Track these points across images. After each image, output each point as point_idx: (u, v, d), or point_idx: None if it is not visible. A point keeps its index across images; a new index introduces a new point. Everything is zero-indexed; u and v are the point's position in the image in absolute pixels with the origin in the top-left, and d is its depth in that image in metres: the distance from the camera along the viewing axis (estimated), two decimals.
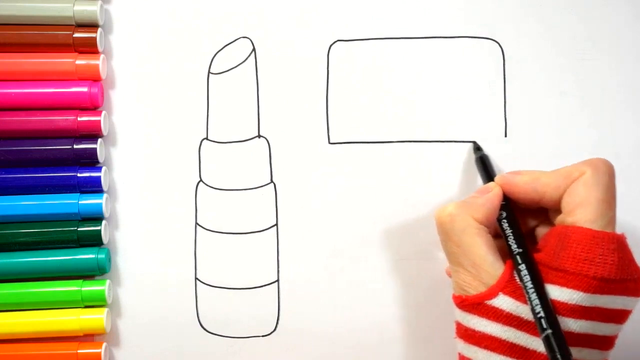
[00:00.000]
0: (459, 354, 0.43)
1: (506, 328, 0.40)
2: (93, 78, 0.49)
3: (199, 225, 0.50)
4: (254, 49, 0.50)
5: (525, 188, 0.43)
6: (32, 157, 0.49)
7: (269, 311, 0.50)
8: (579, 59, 0.50)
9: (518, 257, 0.41)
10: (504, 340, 0.40)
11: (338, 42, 0.50)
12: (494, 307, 0.40)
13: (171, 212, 0.50)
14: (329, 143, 0.50)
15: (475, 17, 0.50)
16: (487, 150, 0.49)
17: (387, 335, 0.50)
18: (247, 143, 0.50)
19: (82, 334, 0.49)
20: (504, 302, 0.40)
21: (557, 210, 0.42)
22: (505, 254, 0.42)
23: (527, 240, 0.43)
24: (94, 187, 0.49)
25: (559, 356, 0.37)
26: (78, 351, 0.49)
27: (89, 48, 0.49)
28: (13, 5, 0.49)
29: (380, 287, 0.50)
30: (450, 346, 0.50)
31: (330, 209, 0.50)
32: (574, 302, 0.39)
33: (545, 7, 0.50)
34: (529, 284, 0.40)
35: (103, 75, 0.49)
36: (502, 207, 0.44)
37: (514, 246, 0.42)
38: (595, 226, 0.40)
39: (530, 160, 0.50)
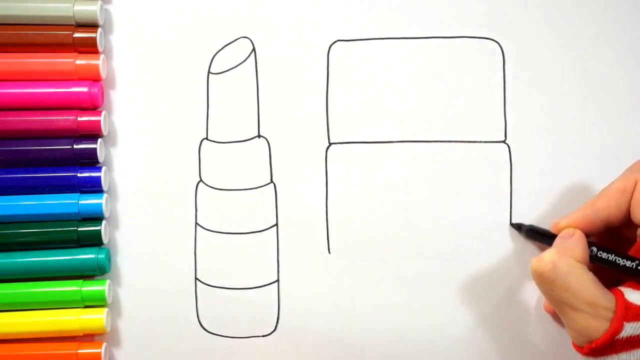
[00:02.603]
0: None
1: None
2: (93, 78, 0.49)
3: (199, 225, 0.50)
4: (254, 49, 0.50)
5: (590, 221, 0.44)
6: (32, 157, 0.49)
7: (269, 311, 0.50)
8: (579, 59, 0.50)
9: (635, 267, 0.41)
10: None
11: (338, 42, 0.50)
12: (626, 338, 0.39)
13: (171, 212, 0.50)
14: (329, 143, 0.50)
15: (475, 17, 0.50)
16: (486, 150, 0.50)
17: (387, 335, 0.50)
18: (247, 143, 0.50)
19: (82, 334, 0.49)
20: (633, 329, 0.39)
21: (627, 226, 0.43)
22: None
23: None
24: (94, 187, 0.49)
25: None
26: (78, 351, 0.49)
27: (89, 48, 0.49)
28: (13, 5, 0.49)
29: (380, 287, 0.50)
30: (450, 346, 0.50)
31: (330, 209, 0.50)
32: None
33: (545, 7, 0.50)
34: None
35: (103, 75, 0.49)
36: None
37: (627, 263, 0.42)
38: None
39: (531, 160, 0.50)
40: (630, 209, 0.42)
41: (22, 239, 0.49)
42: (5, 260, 0.49)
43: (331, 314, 0.50)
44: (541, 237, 0.48)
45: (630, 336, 0.39)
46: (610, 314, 0.39)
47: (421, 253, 0.50)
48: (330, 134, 0.50)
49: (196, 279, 0.50)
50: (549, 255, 0.42)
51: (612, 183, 0.44)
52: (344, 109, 0.50)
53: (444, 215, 0.50)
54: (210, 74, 0.50)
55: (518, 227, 0.49)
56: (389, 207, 0.50)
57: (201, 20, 0.50)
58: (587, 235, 0.44)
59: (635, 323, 0.39)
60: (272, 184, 0.50)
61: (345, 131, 0.50)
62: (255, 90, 0.50)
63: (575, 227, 0.44)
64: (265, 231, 0.50)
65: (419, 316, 0.50)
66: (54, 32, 0.49)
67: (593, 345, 0.40)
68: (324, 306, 0.50)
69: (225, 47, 0.50)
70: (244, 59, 0.50)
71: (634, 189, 0.42)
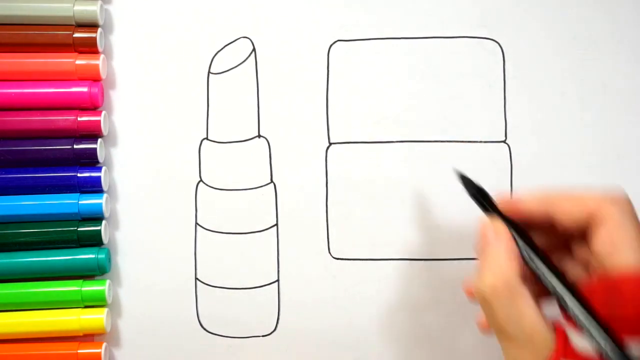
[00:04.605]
0: None
1: None
2: (93, 78, 0.49)
3: (199, 225, 0.50)
4: (254, 49, 0.50)
5: (537, 211, 0.40)
6: (32, 157, 0.49)
7: (269, 311, 0.50)
8: (579, 59, 0.50)
9: (567, 299, 0.37)
10: None
11: (338, 42, 0.50)
12: None
13: (171, 212, 0.50)
14: (329, 143, 0.50)
15: (475, 17, 0.50)
16: (486, 150, 0.50)
17: (387, 336, 0.50)
18: (247, 143, 0.50)
19: (82, 334, 0.49)
20: None
21: (572, 236, 0.39)
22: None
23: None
24: (94, 187, 0.49)
25: None
26: (78, 351, 0.49)
27: (89, 48, 0.49)
28: (13, 5, 0.49)
29: (380, 287, 0.50)
30: (450, 346, 0.50)
31: (330, 209, 0.50)
32: None
33: (545, 7, 0.50)
34: (591, 328, 0.35)
35: (103, 75, 0.49)
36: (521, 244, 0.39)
37: (558, 288, 0.37)
38: None
39: (531, 160, 0.50)
40: (592, 233, 0.38)
41: (22, 239, 0.49)
42: (5, 260, 0.49)
43: (331, 314, 0.50)
44: (481, 205, 0.41)
45: None
46: (547, 351, 0.37)
47: (421, 253, 0.50)
48: (330, 134, 0.50)
49: (196, 278, 0.50)
50: (489, 278, 0.38)
51: (584, 197, 0.39)
52: (344, 109, 0.50)
53: (443, 215, 0.50)
54: (210, 74, 0.50)
55: (466, 181, 0.42)
56: (389, 207, 0.50)
57: (201, 20, 0.50)
58: (527, 223, 0.40)
59: None
60: (272, 184, 0.50)
61: (345, 131, 0.50)
62: (255, 90, 0.50)
63: (524, 211, 0.40)
64: (265, 231, 0.50)
65: (421, 316, 0.50)
66: (54, 32, 0.49)
67: None
68: (324, 306, 0.50)
69: (225, 47, 0.50)
70: (244, 59, 0.50)
71: (605, 219, 0.38)
